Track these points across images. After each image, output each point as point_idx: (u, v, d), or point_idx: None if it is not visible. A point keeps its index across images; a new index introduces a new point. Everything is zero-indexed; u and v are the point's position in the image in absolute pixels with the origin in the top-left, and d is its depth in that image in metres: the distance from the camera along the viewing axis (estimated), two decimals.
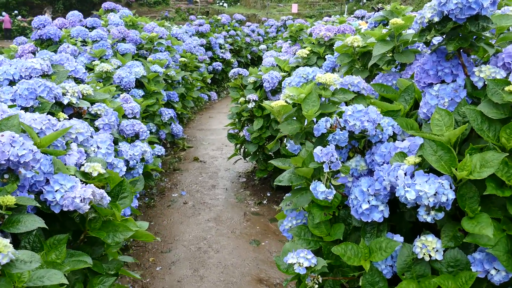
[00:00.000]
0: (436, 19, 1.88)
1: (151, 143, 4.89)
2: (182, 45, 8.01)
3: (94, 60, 5.02)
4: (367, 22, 8.49)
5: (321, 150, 1.89)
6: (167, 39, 7.20)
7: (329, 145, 1.98)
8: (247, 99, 4.95)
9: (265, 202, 5.10)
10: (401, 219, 1.97)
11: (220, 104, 10.73)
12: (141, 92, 4.89)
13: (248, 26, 14.94)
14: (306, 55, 4.68)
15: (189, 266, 3.81)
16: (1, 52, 5.32)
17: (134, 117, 3.94)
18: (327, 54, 4.77)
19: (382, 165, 1.96)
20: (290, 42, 6.03)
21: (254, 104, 4.88)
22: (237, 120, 5.37)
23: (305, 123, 2.12)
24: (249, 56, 13.42)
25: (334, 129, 2.01)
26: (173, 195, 5.29)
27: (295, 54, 5.51)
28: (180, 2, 29.95)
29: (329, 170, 1.88)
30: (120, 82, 4.56)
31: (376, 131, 1.96)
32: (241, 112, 5.12)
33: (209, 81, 10.16)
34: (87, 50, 5.20)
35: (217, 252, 4.02)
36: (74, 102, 3.04)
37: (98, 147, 2.49)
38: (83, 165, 2.21)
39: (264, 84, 4.77)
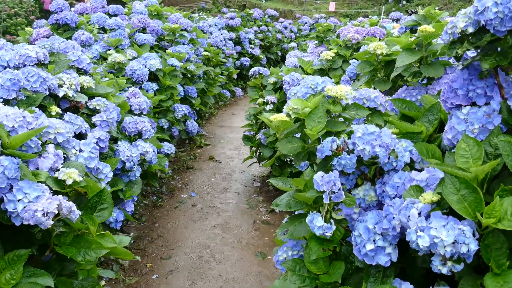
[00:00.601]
0: (470, 29, 1.57)
1: (161, 140, 4.67)
2: (207, 38, 7.77)
3: (109, 49, 4.81)
4: None
5: (321, 177, 1.61)
6: (192, 31, 6.96)
7: (333, 170, 1.69)
8: (265, 100, 4.67)
9: (277, 210, 4.81)
10: (413, 261, 1.67)
11: (245, 100, 10.45)
12: (155, 86, 4.66)
13: (281, 22, 14.62)
14: (331, 58, 4.37)
15: (187, 277, 3.56)
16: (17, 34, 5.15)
17: (141, 113, 3.71)
18: (355, 58, 4.46)
19: (394, 198, 1.67)
20: (316, 42, 5.71)
21: (272, 106, 4.59)
22: (254, 121, 5.10)
23: (309, 142, 1.83)
24: (279, 53, 13.11)
25: (341, 152, 1.72)
26: (182, 195, 5.06)
27: (320, 55, 5.21)
28: None
29: (330, 202, 1.60)
30: (132, 74, 4.34)
31: (389, 158, 1.66)
32: (258, 114, 4.84)
33: (235, 76, 9.91)
34: (104, 39, 5.00)
35: (219, 263, 3.76)
36: (71, 95, 2.82)
37: (80, 150, 2.24)
38: (58, 170, 1.97)
39: (284, 86, 4.48)
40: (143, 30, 5.90)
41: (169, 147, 4.49)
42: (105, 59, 4.64)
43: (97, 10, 6.21)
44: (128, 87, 4.08)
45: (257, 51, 11.45)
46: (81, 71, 3.29)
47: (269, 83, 4.79)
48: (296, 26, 15.02)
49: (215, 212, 4.68)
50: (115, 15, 6.19)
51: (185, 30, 6.45)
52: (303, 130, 1.81)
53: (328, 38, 5.52)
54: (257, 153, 5.28)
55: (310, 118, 1.78)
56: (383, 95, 2.04)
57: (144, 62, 4.64)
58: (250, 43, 11.51)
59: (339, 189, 1.59)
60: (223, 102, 9.69)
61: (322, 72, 4.51)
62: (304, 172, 2.00)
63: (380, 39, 4.69)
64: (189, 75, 5.86)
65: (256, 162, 5.40)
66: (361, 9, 27.51)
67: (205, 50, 7.18)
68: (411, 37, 2.41)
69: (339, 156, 1.69)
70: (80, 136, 2.82)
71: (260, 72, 4.91)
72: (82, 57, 3.26)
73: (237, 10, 14.13)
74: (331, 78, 4.47)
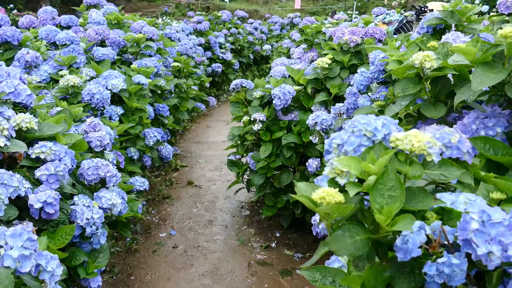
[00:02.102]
0: None
1: (131, 174, 3.92)
2: (176, 47, 7.00)
3: (61, 70, 4.03)
4: (384, 23, 7.48)
5: None
6: (159, 40, 6.18)
7: (427, 280, 1.00)
8: (252, 118, 3.96)
9: (273, 245, 4.12)
10: None
11: (219, 110, 9.71)
12: (119, 110, 3.90)
13: (251, 24, 13.88)
14: (327, 65, 3.68)
15: None
16: None
17: (104, 150, 2.96)
18: (354, 63, 3.79)
19: None
20: (304, 46, 5.01)
21: (261, 125, 3.89)
22: (238, 142, 4.38)
23: (375, 226, 1.13)
24: (251, 56, 12.39)
25: (436, 248, 1.03)
26: (160, 234, 4.30)
27: (311, 62, 4.52)
28: None
29: None
30: (90, 99, 3.57)
31: None
32: (245, 135, 4.13)
33: (207, 84, 9.16)
34: (54, 57, 4.20)
35: None
36: (2, 145, 2.06)
37: (7, 244, 1.49)
38: None
39: (274, 102, 3.79)
40: (102, 43, 5.11)
41: (141, 183, 3.74)
42: (57, 81, 3.85)
43: (47, 23, 5.37)
44: (87, 116, 3.32)
45: (228, 56, 10.71)
46: (19, 107, 2.51)
47: (254, 97, 4.08)
48: (266, 27, 14.32)
49: (201, 255, 3.95)
50: (68, 27, 5.36)
51: (151, 39, 5.67)
52: (364, 211, 1.12)
53: (317, 41, 4.84)
54: (244, 178, 4.57)
55: (376, 191, 1.08)
56: (465, 136, 1.35)
57: (105, 83, 3.87)
58: (220, 47, 10.77)
59: None
60: (196, 113, 8.91)
61: (317, 82, 3.83)
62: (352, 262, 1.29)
63: (379, 40, 4.04)
64: (158, 91, 5.09)
65: (242, 188, 4.69)
66: (327, 5, 27.05)
67: (174, 60, 6.40)
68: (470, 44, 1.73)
69: (439, 261, 0.99)
70: (19, 199, 2.08)
71: (243, 85, 4.20)
72: (20, 87, 2.48)
73: (204, 13, 13.35)
74: (328, 88, 3.81)
